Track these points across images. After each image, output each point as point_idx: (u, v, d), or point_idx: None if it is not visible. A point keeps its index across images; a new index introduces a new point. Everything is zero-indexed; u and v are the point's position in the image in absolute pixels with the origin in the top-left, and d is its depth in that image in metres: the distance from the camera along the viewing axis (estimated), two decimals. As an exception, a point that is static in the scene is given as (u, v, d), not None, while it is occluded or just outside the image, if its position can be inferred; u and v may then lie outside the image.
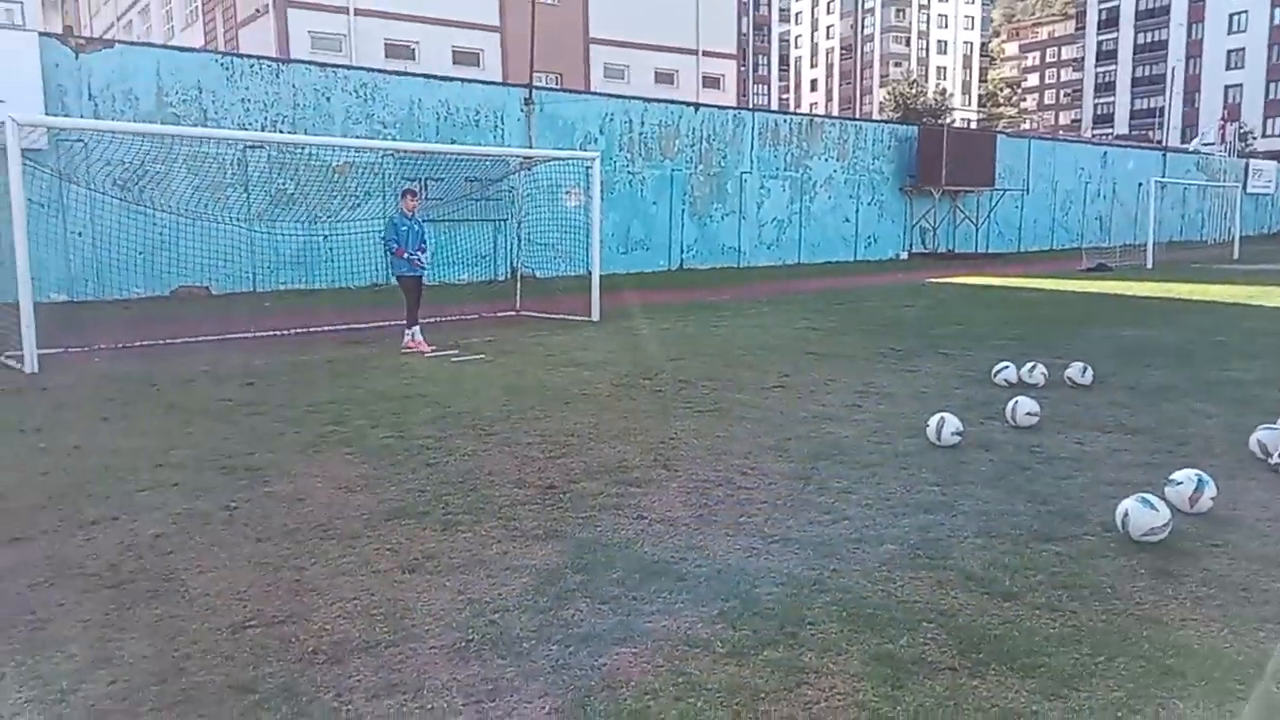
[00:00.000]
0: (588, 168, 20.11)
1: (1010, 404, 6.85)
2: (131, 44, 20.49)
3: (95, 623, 3.62)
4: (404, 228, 11.39)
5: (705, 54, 35.35)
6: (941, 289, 19.68)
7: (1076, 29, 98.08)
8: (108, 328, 12.38)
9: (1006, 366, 8.37)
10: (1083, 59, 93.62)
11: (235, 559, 4.30)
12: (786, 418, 7.21)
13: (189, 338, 12.04)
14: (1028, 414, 6.69)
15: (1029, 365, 8.37)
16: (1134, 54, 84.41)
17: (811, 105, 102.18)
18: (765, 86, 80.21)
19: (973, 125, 79.39)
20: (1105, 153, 41.07)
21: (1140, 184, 40.71)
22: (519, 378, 9.23)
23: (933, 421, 6.21)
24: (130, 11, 38.17)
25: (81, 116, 16.74)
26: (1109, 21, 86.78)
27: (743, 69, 37.85)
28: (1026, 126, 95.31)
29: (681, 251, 26.64)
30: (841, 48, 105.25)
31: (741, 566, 4.11)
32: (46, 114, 15.84)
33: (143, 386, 8.74)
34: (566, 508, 5.02)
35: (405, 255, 11.31)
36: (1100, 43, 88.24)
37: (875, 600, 3.74)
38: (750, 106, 38.21)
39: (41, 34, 17.51)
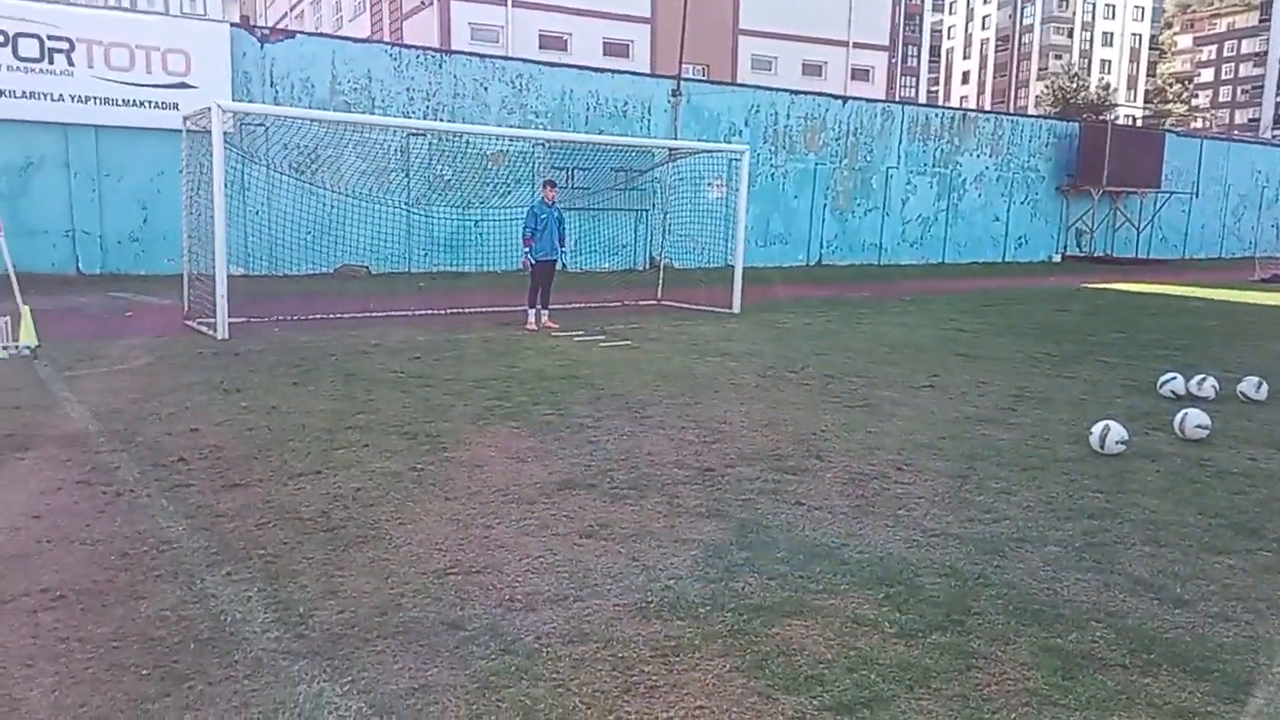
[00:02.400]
0: (735, 160, 20.23)
1: (1179, 416, 6.66)
2: (310, 34, 21.88)
3: (317, 560, 4.08)
4: (543, 215, 12.03)
5: (855, 45, 34.80)
6: (1099, 294, 18.89)
7: (1261, 20, 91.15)
8: (282, 300, 13.37)
9: (1174, 378, 8.09)
10: (1265, 53, 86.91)
11: (429, 514, 4.71)
12: (938, 417, 7.21)
13: (355, 313, 12.90)
14: (1198, 426, 6.49)
15: (1198, 377, 8.05)
16: (1325, 48, 77.80)
17: (962, 99, 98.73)
18: (914, 79, 78.04)
19: (1138, 123, 75.04)
20: (1286, 155, 38.15)
21: (1326, 190, 37.74)
22: (666, 364, 9.52)
23: (1096, 429, 6.12)
24: (302, 3, 40.57)
25: (263, 103, 18.02)
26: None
27: (893, 61, 37.01)
28: (1197, 125, 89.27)
29: (821, 247, 26.44)
30: (998, 39, 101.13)
31: (903, 556, 4.23)
32: (233, 99, 17.15)
33: (322, 355, 9.46)
34: (725, 489, 5.24)
35: (531, 245, 12.00)
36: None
37: (1041, 597, 3.81)
38: (900, 100, 37.32)
39: (233, 25, 18.94)
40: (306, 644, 3.29)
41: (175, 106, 17.09)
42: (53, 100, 16.33)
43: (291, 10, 41.43)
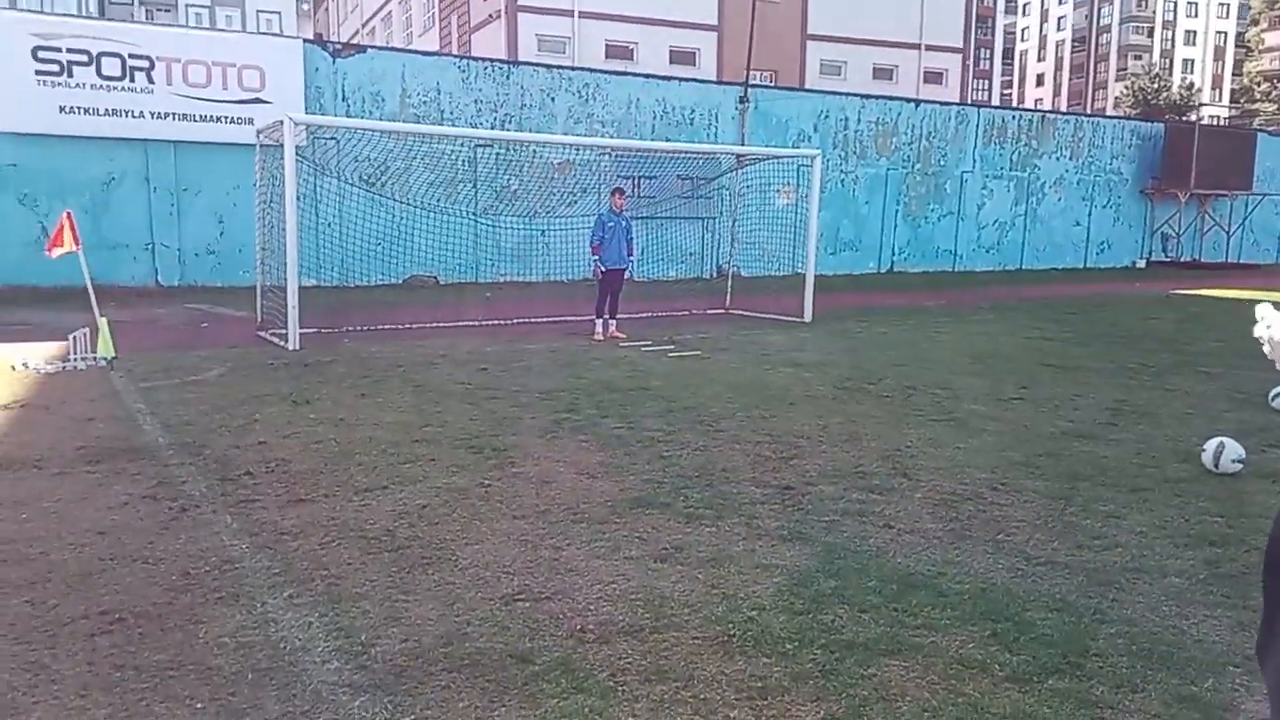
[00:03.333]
0: (802, 166, 19.81)
1: (1301, 432, 6.14)
2: (381, 49, 22.17)
3: (381, 583, 3.90)
4: (610, 224, 11.84)
5: (928, 48, 34.01)
6: (1191, 301, 18.00)
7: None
8: (352, 311, 13.43)
9: (1287, 390, 7.51)
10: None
11: (496, 534, 4.52)
12: (1032, 432, 6.79)
13: (424, 323, 12.89)
14: (1322, 444, 5.97)
15: (1315, 390, 7.47)
16: None
17: (1036, 101, 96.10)
18: (986, 81, 76.09)
19: (1223, 122, 72.13)
20: (1389, 153, 36.08)
21: None
22: (738, 375, 9.23)
23: (1210, 446, 5.65)
24: (374, 19, 41.33)
25: (335, 116, 18.24)
26: (1398, 4, 76.27)
27: (967, 63, 36.08)
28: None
29: (892, 254, 25.82)
30: (1074, 39, 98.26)
31: (1008, 587, 3.88)
32: (306, 113, 17.37)
33: (390, 367, 9.40)
34: (807, 510, 4.94)
35: (599, 254, 11.79)
36: (1385, 28, 77.69)
37: (1167, 637, 3.43)
38: (975, 102, 36.42)
39: (306, 40, 19.26)
40: (368, 676, 3.10)
41: (250, 121, 17.36)
42: (133, 117, 16.76)
43: (364, 26, 42.24)
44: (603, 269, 11.92)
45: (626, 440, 6.44)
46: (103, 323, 9.25)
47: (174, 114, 16.97)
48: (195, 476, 5.43)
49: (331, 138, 17.55)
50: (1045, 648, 3.31)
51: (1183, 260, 29.80)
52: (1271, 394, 7.61)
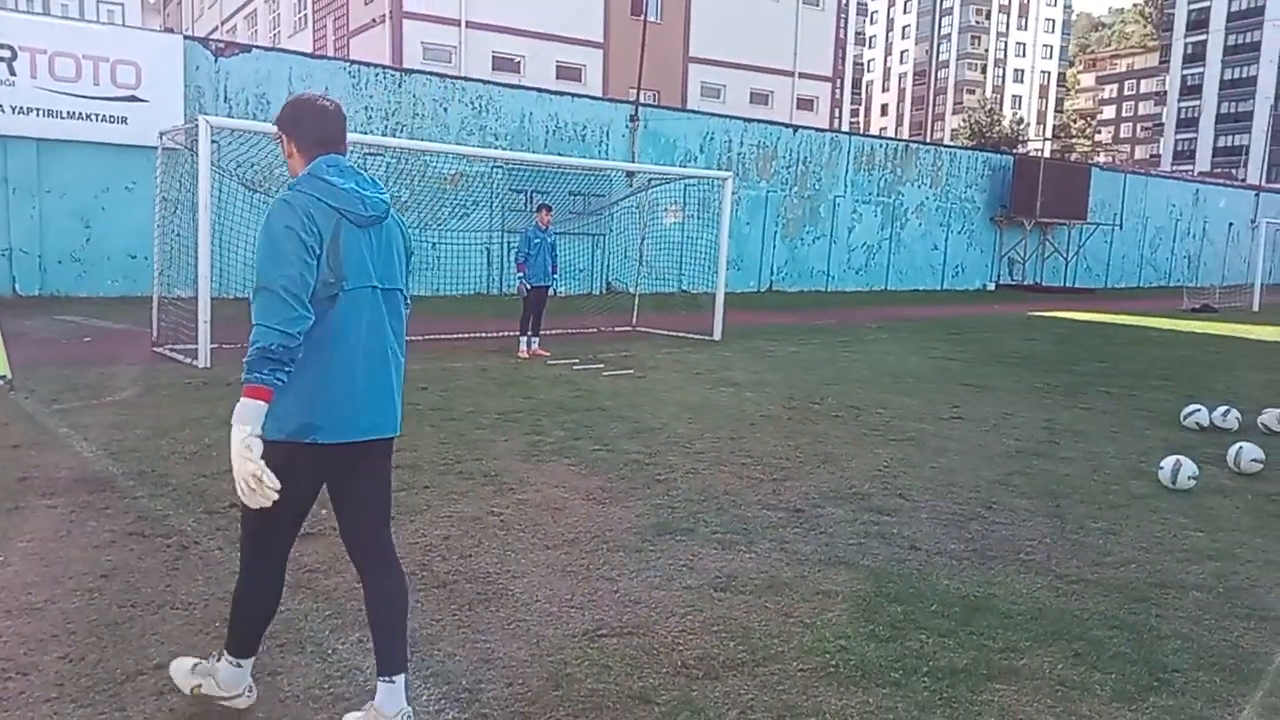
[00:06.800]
0: (690, 186, 20.19)
1: (1234, 450, 6.72)
2: (266, 49, 21.11)
3: (448, 622, 3.72)
4: (536, 240, 11.75)
5: (801, 75, 35.37)
6: (1051, 323, 19.40)
7: (1160, 62, 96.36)
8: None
9: (1197, 409, 8.23)
10: (1164, 93, 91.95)
11: (538, 566, 4.38)
12: (989, 451, 7.16)
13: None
14: (1253, 460, 6.56)
15: (1221, 409, 8.21)
16: (1219, 89, 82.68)
17: (881, 129, 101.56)
18: (837, 109, 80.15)
19: (1044, 156, 78.44)
20: (1197, 190, 40.21)
21: (1231, 223, 39.90)
22: (684, 395, 9.29)
23: (1167, 464, 6.12)
24: (235, 16, 39.26)
25: (215, 116, 17.19)
26: (1195, 56, 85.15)
27: (837, 93, 37.74)
28: (1101, 159, 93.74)
29: (771, 273, 26.63)
30: (915, 73, 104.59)
31: (1059, 607, 4.08)
32: (185, 114, 16.33)
33: (322, 386, 8.93)
34: (829, 533, 5.04)
35: (525, 270, 11.71)
36: (1185, 77, 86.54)
37: (1224, 650, 3.69)
38: (847, 130, 38.14)
39: (186, 37, 18.13)
40: (495, 726, 2.95)
41: (124, 120, 16.28)
42: (-11, 110, 15.30)
43: (223, 24, 39.98)
44: (528, 285, 11.77)
45: (613, 463, 6.37)
46: (-3, 338, 8.38)
47: (38, 109, 15.62)
48: (177, 510, 5.01)
49: (214, 141, 16.53)
50: (1129, 665, 3.50)
51: (1027, 284, 32.10)
52: (1183, 413, 8.31)
